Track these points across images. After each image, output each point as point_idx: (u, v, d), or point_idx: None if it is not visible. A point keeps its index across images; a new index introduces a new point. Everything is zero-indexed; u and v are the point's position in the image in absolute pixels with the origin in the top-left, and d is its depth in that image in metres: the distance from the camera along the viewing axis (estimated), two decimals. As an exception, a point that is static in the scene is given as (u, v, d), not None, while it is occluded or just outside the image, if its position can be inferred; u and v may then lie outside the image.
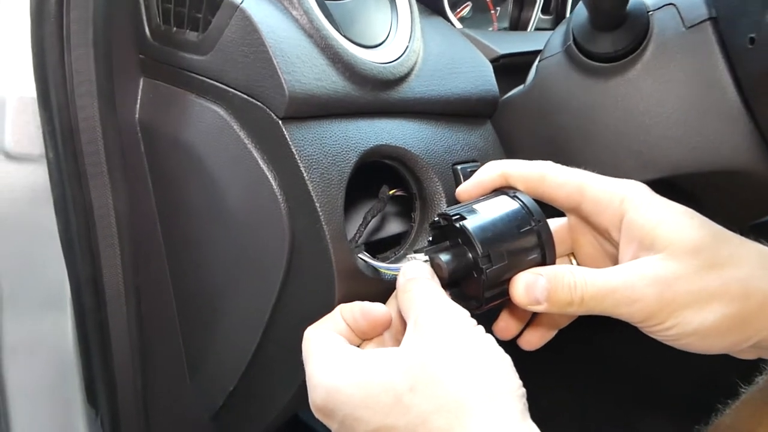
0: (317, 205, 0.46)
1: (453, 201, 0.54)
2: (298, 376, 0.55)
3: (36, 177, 0.55)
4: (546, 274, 0.42)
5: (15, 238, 0.57)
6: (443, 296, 0.41)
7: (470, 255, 0.43)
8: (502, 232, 0.43)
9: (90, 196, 0.53)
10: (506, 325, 0.49)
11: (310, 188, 0.46)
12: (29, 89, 0.52)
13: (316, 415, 0.41)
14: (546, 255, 0.44)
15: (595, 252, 0.48)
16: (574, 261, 0.49)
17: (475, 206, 0.44)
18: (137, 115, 0.56)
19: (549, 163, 0.47)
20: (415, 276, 0.42)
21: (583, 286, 0.40)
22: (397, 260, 0.55)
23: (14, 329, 0.62)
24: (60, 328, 0.63)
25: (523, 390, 0.37)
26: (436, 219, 0.45)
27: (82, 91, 0.51)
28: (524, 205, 0.44)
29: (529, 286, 0.42)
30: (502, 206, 0.45)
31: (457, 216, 0.43)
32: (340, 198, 0.47)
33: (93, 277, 0.57)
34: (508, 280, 0.43)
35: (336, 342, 0.42)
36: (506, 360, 0.38)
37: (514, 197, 0.45)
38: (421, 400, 0.36)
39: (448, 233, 0.45)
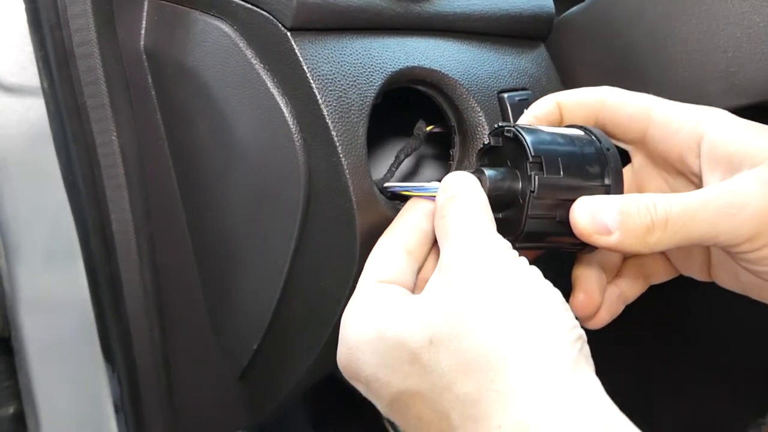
0: (333, 133, 0.39)
1: (498, 134, 0.47)
2: (323, 334, 0.49)
3: (34, 112, 0.50)
4: (616, 199, 0.33)
5: (18, 182, 0.53)
6: (485, 222, 0.33)
7: (521, 183, 0.35)
8: (561, 146, 0.36)
9: (91, 130, 0.48)
10: (586, 297, 0.39)
11: (325, 113, 0.39)
12: (20, 11, 0.47)
13: (345, 375, 0.35)
14: (612, 187, 0.36)
15: None
16: None
17: (534, 125, 0.38)
18: (142, 42, 0.50)
19: (608, 87, 0.39)
20: (457, 193, 0.35)
21: (667, 206, 0.32)
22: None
23: (28, 282, 0.59)
24: (74, 280, 0.59)
25: (580, 331, 0.29)
26: (486, 142, 0.38)
27: (76, 11, 0.45)
28: (590, 132, 0.37)
29: (596, 210, 0.33)
30: (566, 130, 0.38)
31: (511, 127, 0.36)
32: (362, 126, 0.40)
33: (100, 224, 0.52)
34: (563, 208, 0.34)
35: (377, 286, 0.35)
36: (553, 295, 0.30)
37: (580, 127, 0.38)
38: (443, 356, 0.29)
39: (496, 161, 0.38)
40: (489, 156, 0.40)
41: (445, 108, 0.47)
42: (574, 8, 0.53)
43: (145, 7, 0.50)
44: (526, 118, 0.41)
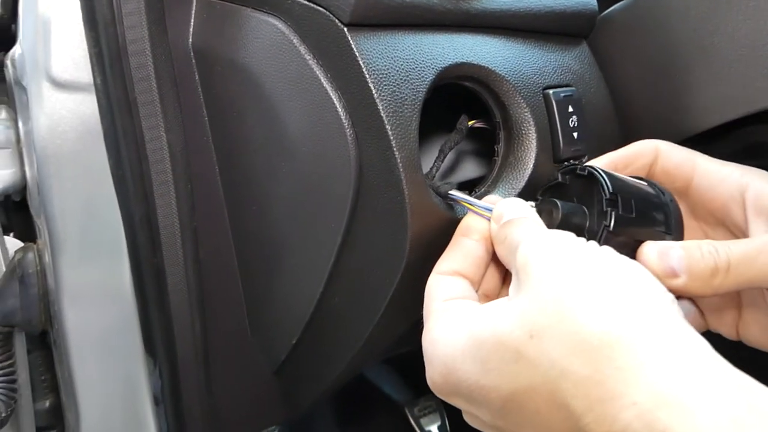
0: (388, 127, 0.40)
1: (543, 131, 0.47)
2: (363, 331, 0.50)
3: (85, 108, 0.51)
4: (678, 245, 0.35)
5: (68, 177, 0.54)
6: (544, 227, 0.35)
7: (587, 224, 0.37)
8: (631, 190, 0.37)
9: (141, 126, 0.49)
10: None
11: (380, 107, 0.39)
12: (75, 7, 0.48)
13: (439, 395, 0.34)
14: (674, 237, 0.37)
15: None
16: None
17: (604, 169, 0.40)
18: (191, 39, 0.51)
19: (658, 140, 0.42)
20: (511, 217, 0.36)
21: (727, 249, 0.33)
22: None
23: (72, 275, 0.60)
24: (118, 274, 0.60)
25: (671, 295, 0.29)
26: (555, 178, 0.41)
27: (129, 9, 0.46)
28: (653, 184, 0.40)
29: (662, 252, 0.34)
30: (630, 179, 0.40)
31: (585, 166, 0.39)
32: (414, 121, 0.41)
33: (147, 218, 0.53)
34: (632, 248, 0.36)
35: (451, 303, 0.36)
36: (637, 266, 0.30)
37: (640, 178, 0.40)
38: (547, 345, 0.28)
39: (561, 197, 0.39)
40: (552, 191, 0.41)
41: (491, 104, 0.47)
42: (617, 5, 0.53)
43: (194, 5, 0.51)
44: None
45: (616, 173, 0.39)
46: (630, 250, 0.36)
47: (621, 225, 0.35)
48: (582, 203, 0.38)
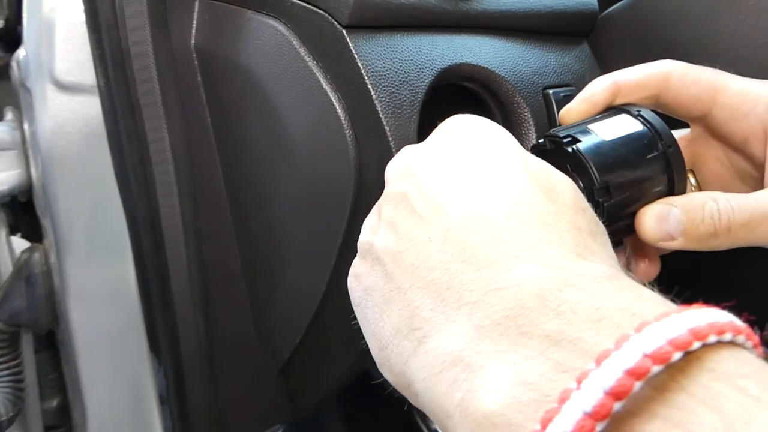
0: (387, 129, 0.40)
1: (543, 131, 0.47)
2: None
3: (89, 110, 0.51)
4: (680, 204, 0.33)
5: (72, 178, 0.54)
6: None
7: (581, 184, 0.35)
8: (624, 160, 0.34)
9: (144, 128, 0.49)
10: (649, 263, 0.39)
11: (379, 108, 0.40)
12: (79, 11, 0.48)
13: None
14: (675, 187, 0.35)
15: (723, 170, 0.39)
16: (692, 179, 0.40)
17: (590, 126, 0.36)
18: (193, 41, 0.51)
19: (671, 62, 0.38)
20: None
21: (730, 213, 0.32)
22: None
23: (78, 275, 0.60)
24: (123, 274, 0.60)
25: (590, 213, 0.28)
26: (541, 141, 0.37)
27: (132, 12, 0.47)
28: (651, 126, 0.36)
29: (660, 217, 0.34)
30: (624, 127, 0.36)
31: (569, 138, 0.35)
32: (413, 122, 0.41)
33: (151, 219, 0.54)
34: (628, 215, 0.35)
35: None
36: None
37: (637, 116, 0.36)
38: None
39: (552, 162, 0.38)
40: (536, 154, 0.39)
41: (491, 105, 0.48)
42: (617, 5, 0.53)
43: (196, 7, 0.51)
44: (579, 101, 0.39)
45: (603, 131, 0.35)
46: (629, 219, 0.35)
47: (614, 212, 0.34)
48: (573, 170, 0.35)
